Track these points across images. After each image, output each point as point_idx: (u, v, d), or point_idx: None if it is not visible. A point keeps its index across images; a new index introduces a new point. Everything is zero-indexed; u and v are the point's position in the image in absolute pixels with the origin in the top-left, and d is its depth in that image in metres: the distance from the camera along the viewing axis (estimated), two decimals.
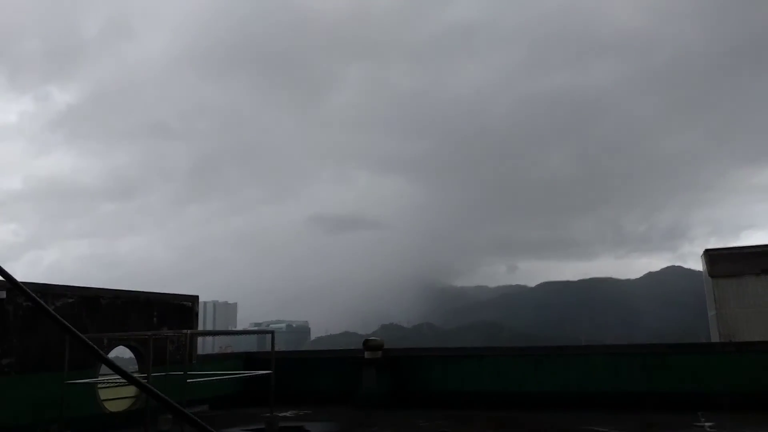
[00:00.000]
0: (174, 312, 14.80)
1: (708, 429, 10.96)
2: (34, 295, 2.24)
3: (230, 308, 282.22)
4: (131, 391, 13.31)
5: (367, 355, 15.47)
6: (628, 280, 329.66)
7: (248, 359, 16.88)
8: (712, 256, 29.56)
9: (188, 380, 10.25)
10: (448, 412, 13.67)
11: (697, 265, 34.67)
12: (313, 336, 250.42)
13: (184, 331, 12.07)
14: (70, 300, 12.21)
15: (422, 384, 15.40)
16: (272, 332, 12.39)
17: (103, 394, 12.53)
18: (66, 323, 2.13)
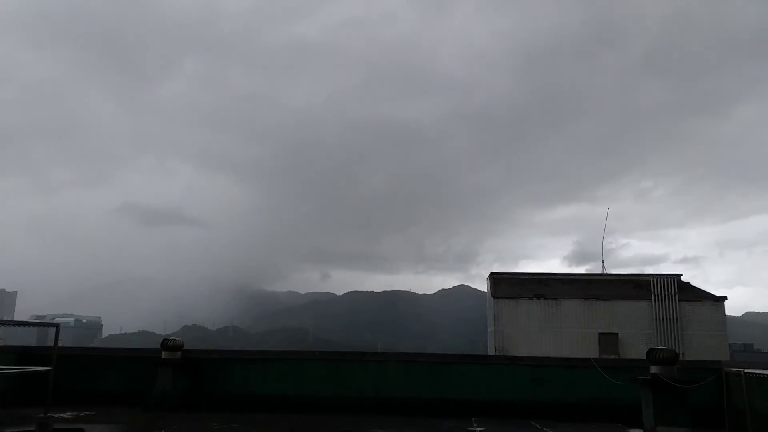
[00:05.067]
0: None
1: None
2: None
3: (8, 297, 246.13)
4: None
5: (164, 355, 14.88)
6: (424, 295, 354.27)
7: (24, 354, 15.23)
8: (495, 279, 33.33)
9: None
10: (246, 416, 13.69)
11: (483, 286, 38.81)
12: (105, 333, 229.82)
13: None
14: None
15: (223, 387, 15.21)
16: (57, 326, 11.42)
17: None
18: None
